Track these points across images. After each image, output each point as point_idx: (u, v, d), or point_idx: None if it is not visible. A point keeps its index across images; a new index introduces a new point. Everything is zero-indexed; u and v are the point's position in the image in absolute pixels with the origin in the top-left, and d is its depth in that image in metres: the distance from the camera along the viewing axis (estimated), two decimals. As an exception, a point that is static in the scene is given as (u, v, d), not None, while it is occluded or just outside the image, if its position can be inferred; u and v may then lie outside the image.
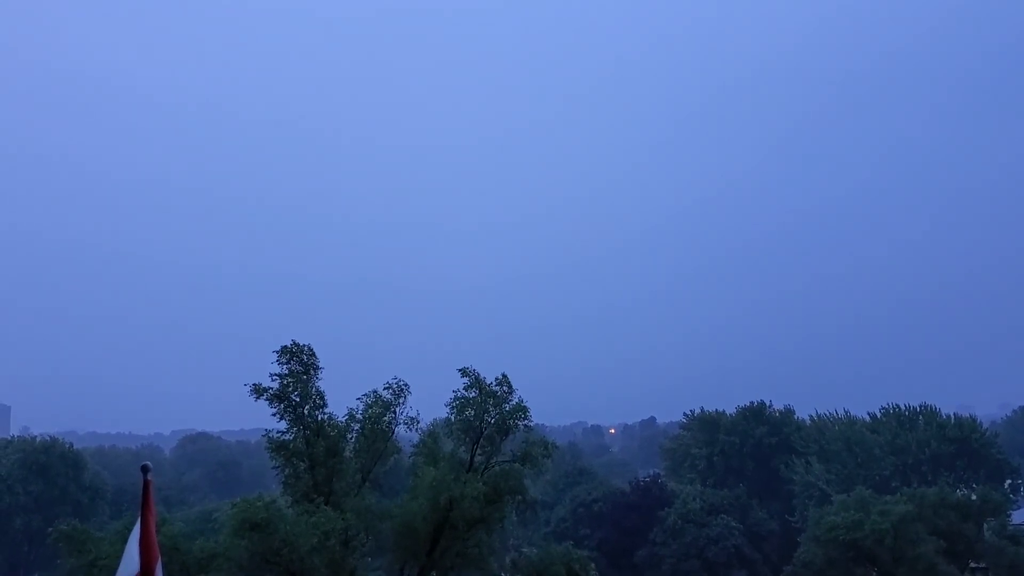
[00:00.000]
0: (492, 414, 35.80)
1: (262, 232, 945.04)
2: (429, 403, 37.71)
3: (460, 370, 36.33)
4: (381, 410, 35.76)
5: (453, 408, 36.10)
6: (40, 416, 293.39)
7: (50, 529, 34.85)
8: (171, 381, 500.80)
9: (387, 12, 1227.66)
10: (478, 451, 36.08)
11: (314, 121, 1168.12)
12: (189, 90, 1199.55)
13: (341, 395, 36.16)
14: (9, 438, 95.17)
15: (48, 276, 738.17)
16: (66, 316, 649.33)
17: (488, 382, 36.11)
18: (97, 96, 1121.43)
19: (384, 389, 36.03)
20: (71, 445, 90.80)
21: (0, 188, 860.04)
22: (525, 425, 36.39)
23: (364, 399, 36.17)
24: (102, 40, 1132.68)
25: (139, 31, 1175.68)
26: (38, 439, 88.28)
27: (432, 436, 36.94)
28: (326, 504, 31.83)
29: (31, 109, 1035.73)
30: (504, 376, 36.38)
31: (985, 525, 57.53)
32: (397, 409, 35.88)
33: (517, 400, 36.12)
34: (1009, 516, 60.83)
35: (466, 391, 36.02)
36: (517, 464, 35.95)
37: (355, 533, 32.25)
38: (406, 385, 36.15)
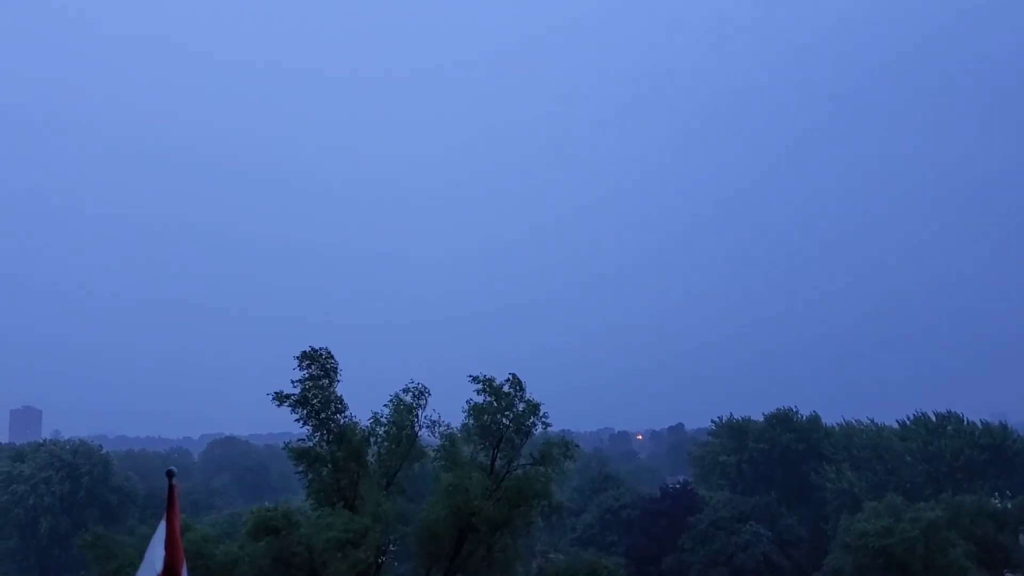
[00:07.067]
0: (508, 416, 35.55)
1: (286, 247, 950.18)
2: (454, 410, 37.53)
3: (471, 377, 36.22)
4: (404, 415, 35.63)
5: (469, 415, 35.92)
6: (71, 420, 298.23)
7: (76, 539, 35.10)
8: (200, 385, 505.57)
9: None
10: (499, 455, 35.86)
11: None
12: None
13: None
14: (40, 441, 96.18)
15: (78, 282, 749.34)
16: (97, 322, 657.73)
17: (499, 383, 35.88)
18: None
19: (403, 392, 35.98)
20: (101, 448, 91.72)
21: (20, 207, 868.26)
22: (543, 423, 36.07)
23: (390, 404, 36.17)
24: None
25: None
26: (68, 442, 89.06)
27: (452, 441, 36.62)
28: (347, 508, 31.73)
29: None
30: (514, 376, 36.19)
31: (1022, 536, 56.23)
32: (419, 412, 35.82)
33: (528, 399, 35.78)
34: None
35: (478, 395, 35.86)
36: (540, 467, 35.61)
37: (373, 536, 32.15)
38: (425, 388, 36.09)
